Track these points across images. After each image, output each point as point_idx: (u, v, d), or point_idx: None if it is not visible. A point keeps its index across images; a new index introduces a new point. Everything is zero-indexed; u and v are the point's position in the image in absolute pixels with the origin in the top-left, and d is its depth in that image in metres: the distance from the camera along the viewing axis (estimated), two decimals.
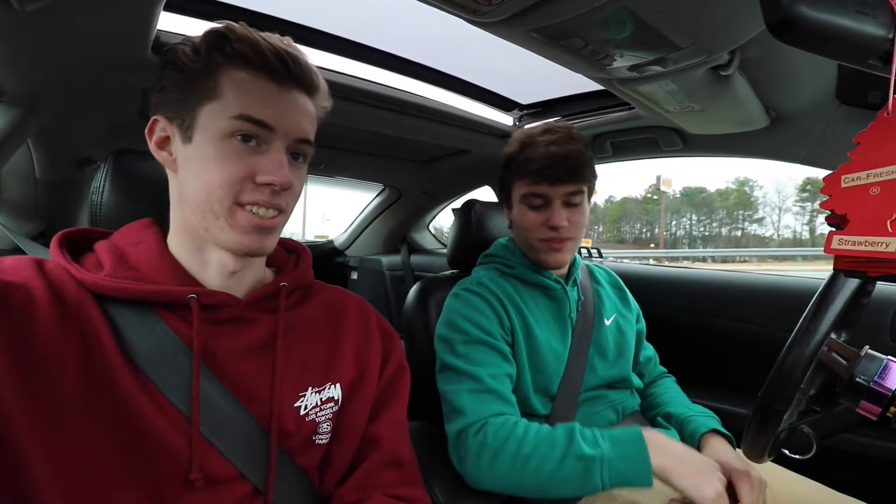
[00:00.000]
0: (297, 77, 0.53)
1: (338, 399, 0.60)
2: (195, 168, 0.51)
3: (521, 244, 0.96)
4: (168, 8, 0.75)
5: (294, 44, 0.55)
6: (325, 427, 0.59)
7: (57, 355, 0.44)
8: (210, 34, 0.51)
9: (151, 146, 0.54)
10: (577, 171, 0.86)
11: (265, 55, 0.51)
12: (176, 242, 0.55)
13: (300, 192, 0.58)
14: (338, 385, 0.60)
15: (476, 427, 0.76)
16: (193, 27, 0.85)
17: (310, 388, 0.58)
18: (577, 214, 0.89)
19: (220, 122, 0.50)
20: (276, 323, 0.57)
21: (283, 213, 0.55)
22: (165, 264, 0.53)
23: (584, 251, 1.84)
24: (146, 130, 0.54)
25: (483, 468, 0.74)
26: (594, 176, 0.93)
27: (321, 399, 0.58)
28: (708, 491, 0.65)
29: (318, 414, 0.58)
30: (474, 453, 0.75)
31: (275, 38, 0.53)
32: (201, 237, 0.54)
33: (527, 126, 1.15)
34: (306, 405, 0.57)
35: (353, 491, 0.59)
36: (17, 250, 0.84)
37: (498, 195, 1.58)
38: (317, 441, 0.58)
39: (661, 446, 0.69)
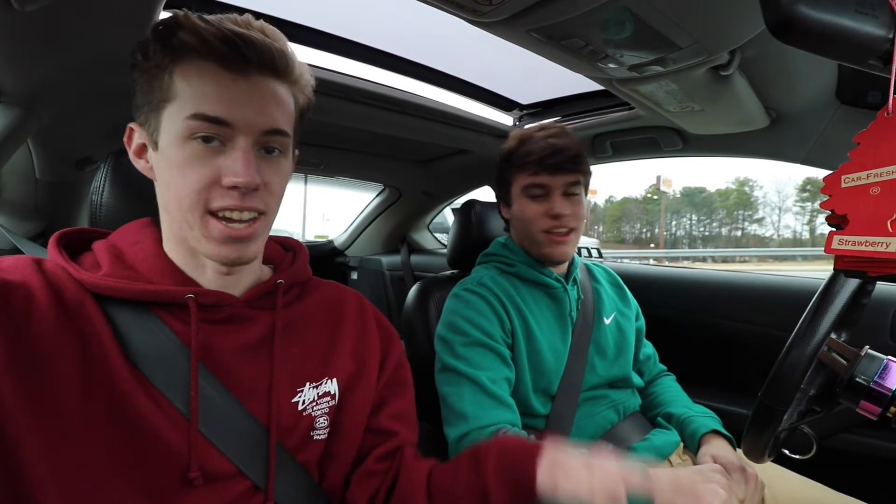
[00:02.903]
0: (254, 60, 0.48)
1: (334, 394, 0.60)
2: (164, 176, 0.50)
3: (523, 240, 0.96)
4: (168, 8, 0.75)
5: (256, 21, 0.49)
6: (323, 422, 0.59)
7: (56, 354, 0.44)
8: (155, 28, 0.47)
9: (131, 156, 0.53)
10: (575, 161, 0.88)
11: (210, 42, 0.46)
12: (170, 246, 0.55)
13: (282, 190, 0.55)
14: (334, 380, 0.60)
15: (479, 434, 0.76)
16: None
17: (307, 384, 0.58)
18: (577, 205, 0.90)
19: (177, 125, 0.47)
20: (274, 320, 0.57)
21: (264, 214, 0.52)
22: (162, 265, 0.53)
23: (583, 251, 1.84)
24: (125, 139, 0.53)
25: None
26: (589, 171, 0.94)
27: (318, 394, 0.58)
28: None
29: (315, 408, 0.58)
30: None
31: (225, 22, 0.47)
32: (190, 244, 0.53)
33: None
34: (304, 400, 0.57)
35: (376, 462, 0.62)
36: (16, 251, 0.84)
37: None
38: (315, 437, 0.58)
39: (662, 484, 0.70)
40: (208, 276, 0.55)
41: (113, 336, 0.48)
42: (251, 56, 0.47)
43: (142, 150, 0.53)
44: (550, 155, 0.87)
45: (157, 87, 0.48)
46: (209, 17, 0.47)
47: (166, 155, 0.49)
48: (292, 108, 0.54)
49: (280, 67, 0.50)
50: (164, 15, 0.75)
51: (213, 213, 0.49)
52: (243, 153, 0.48)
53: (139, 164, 0.53)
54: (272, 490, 0.53)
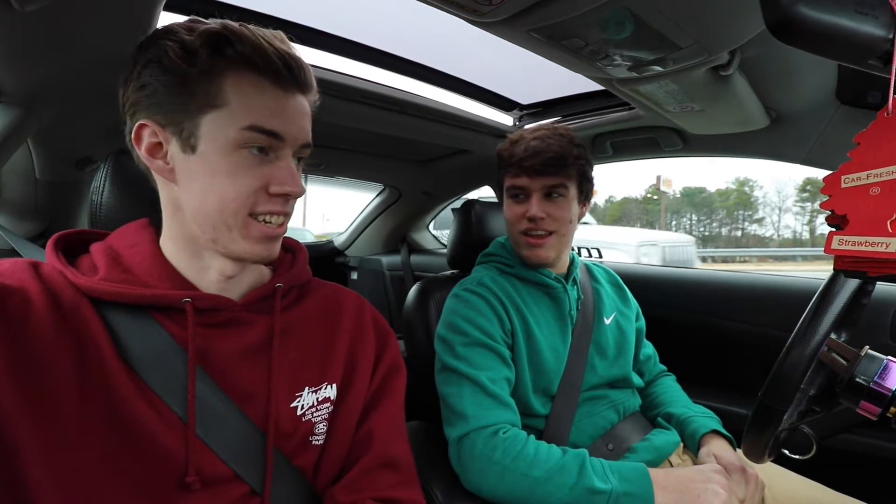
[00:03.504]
0: (299, 80, 0.52)
1: (333, 399, 0.60)
2: (203, 181, 0.50)
3: (510, 241, 0.97)
4: (168, 8, 0.75)
5: (287, 40, 0.52)
6: (322, 427, 0.58)
7: (53, 358, 0.44)
8: (208, 35, 0.48)
9: (141, 153, 0.51)
10: (555, 163, 0.87)
11: (270, 59, 0.49)
12: (171, 248, 0.55)
13: None
14: (334, 385, 0.60)
15: (479, 435, 0.76)
16: None
17: (306, 388, 0.57)
18: (557, 209, 0.89)
19: (228, 133, 0.48)
20: (272, 324, 0.56)
21: (288, 217, 0.56)
22: (160, 267, 0.53)
23: (583, 252, 1.84)
24: (132, 136, 0.51)
25: (488, 482, 0.74)
26: (584, 175, 0.93)
27: (318, 399, 0.58)
28: None
29: (315, 414, 0.58)
30: (479, 465, 0.74)
31: (275, 39, 0.50)
32: (200, 245, 0.53)
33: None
34: (303, 405, 0.57)
35: (346, 492, 0.58)
36: (15, 252, 0.84)
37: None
38: (313, 442, 0.58)
39: (663, 484, 0.71)
40: (211, 278, 0.55)
41: (110, 340, 0.48)
42: (299, 76, 0.52)
43: (156, 149, 0.51)
44: (530, 157, 0.87)
45: (198, 91, 0.48)
46: (255, 30, 0.50)
47: (208, 160, 0.49)
48: (310, 119, 0.56)
49: (312, 87, 0.55)
50: (164, 16, 0.75)
51: (254, 216, 0.52)
52: (290, 164, 0.53)
53: (155, 164, 0.51)
54: (268, 495, 0.53)
